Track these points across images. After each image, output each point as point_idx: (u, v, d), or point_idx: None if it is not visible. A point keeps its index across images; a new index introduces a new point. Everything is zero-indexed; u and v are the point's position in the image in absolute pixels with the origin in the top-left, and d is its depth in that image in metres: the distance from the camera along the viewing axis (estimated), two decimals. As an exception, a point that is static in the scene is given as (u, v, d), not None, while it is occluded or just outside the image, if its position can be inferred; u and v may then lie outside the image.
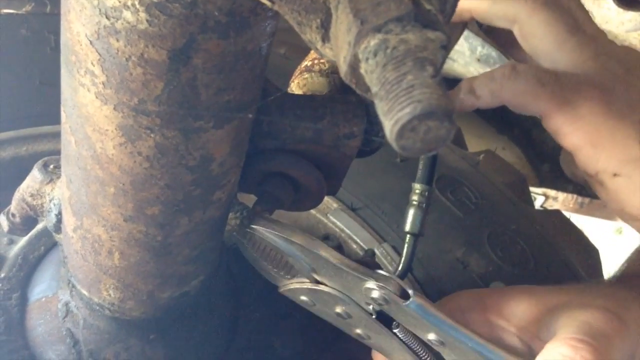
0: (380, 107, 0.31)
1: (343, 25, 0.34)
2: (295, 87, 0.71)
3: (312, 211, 1.14)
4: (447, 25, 0.34)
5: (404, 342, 0.65)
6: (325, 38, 0.37)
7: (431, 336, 0.63)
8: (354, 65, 0.33)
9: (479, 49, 1.56)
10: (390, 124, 0.30)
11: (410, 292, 0.62)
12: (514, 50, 0.74)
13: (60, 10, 0.50)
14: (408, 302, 0.62)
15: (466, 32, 1.55)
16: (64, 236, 0.67)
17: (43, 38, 1.14)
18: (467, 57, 1.59)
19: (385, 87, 0.31)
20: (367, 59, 0.32)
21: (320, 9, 0.36)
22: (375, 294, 0.63)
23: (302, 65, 0.72)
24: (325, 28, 0.37)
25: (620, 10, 1.31)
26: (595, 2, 1.39)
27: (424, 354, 0.65)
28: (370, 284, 0.63)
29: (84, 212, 0.60)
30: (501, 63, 1.54)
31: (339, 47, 0.35)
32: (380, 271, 0.65)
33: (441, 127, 0.30)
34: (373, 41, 0.32)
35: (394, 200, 1.17)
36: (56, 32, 1.14)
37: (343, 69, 0.34)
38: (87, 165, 0.55)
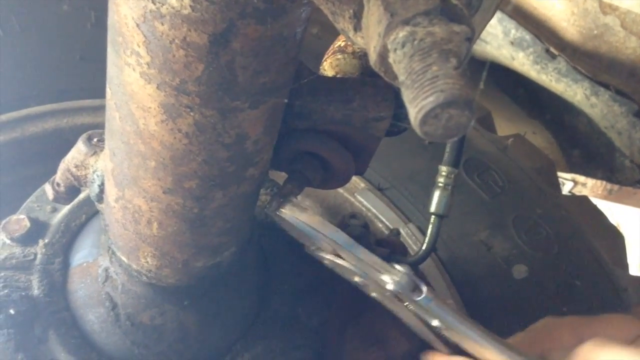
0: (406, 95, 0.34)
1: (374, 16, 0.36)
2: (328, 66, 0.73)
3: (340, 190, 1.17)
4: (473, 18, 0.36)
5: (415, 313, 0.70)
6: (357, 27, 0.40)
7: (435, 322, 0.68)
8: (383, 55, 0.36)
9: (513, 31, 1.54)
10: (414, 111, 0.33)
11: (423, 289, 0.66)
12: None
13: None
14: (420, 298, 0.66)
15: (500, 14, 1.54)
16: (105, 206, 0.71)
17: (84, 14, 1.18)
18: (500, 39, 1.57)
19: (411, 77, 0.33)
20: (395, 50, 0.35)
21: (353, 0, 0.39)
22: (390, 286, 0.67)
23: (335, 45, 0.74)
24: (357, 18, 0.40)
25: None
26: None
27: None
28: (385, 277, 0.67)
29: (126, 183, 0.63)
30: (535, 47, 1.53)
31: (370, 37, 0.37)
32: (396, 265, 0.68)
33: (462, 115, 0.32)
34: (402, 33, 0.35)
35: (420, 182, 1.19)
36: (97, 9, 1.19)
37: (373, 58, 0.37)
38: (130, 140, 0.59)
